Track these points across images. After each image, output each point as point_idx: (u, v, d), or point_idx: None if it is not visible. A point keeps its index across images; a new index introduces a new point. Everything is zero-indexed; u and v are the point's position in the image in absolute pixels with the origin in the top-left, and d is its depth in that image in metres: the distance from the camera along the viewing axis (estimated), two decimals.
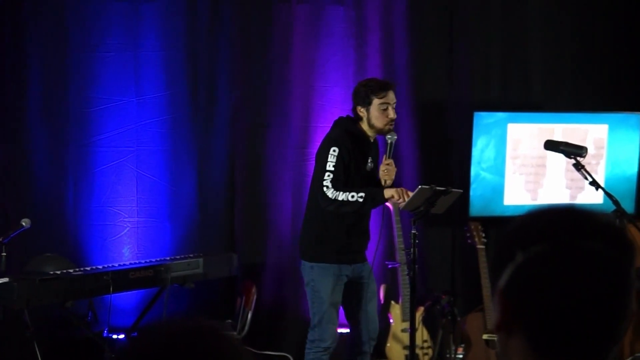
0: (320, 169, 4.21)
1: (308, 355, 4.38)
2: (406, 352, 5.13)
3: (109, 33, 5.47)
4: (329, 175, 4.15)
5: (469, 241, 5.33)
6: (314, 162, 4.37)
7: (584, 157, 3.97)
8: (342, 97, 5.54)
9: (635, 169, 5.83)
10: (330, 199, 4.14)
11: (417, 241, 4.26)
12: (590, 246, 1.08)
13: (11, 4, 5.38)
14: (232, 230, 5.67)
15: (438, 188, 4.30)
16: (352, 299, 4.42)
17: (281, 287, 5.63)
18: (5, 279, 4.30)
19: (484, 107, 5.82)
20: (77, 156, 5.46)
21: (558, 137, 5.47)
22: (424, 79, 5.90)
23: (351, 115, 4.38)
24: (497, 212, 5.69)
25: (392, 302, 5.29)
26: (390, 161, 4.32)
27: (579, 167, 3.94)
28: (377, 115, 4.28)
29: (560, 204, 1.17)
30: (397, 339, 5.23)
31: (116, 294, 4.66)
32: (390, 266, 5.29)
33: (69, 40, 5.43)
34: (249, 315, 5.16)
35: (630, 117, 5.86)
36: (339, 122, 4.40)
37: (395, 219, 5.27)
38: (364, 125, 4.33)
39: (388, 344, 5.24)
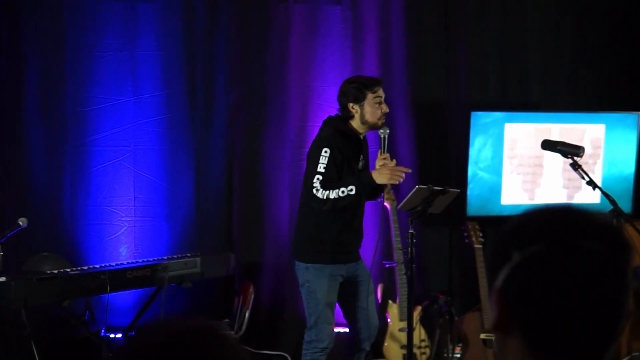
0: (311, 170, 4.19)
1: (305, 356, 4.37)
2: (404, 351, 5.13)
3: (106, 33, 5.47)
4: (318, 178, 4.13)
5: (467, 241, 5.33)
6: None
7: (581, 156, 3.97)
8: None
9: (632, 169, 5.83)
10: (322, 200, 4.12)
11: (414, 241, 4.27)
12: (587, 246, 1.09)
13: (8, 4, 5.38)
14: (229, 229, 5.67)
15: (435, 188, 4.31)
16: (349, 298, 4.41)
17: (279, 286, 5.63)
18: (3, 279, 4.30)
19: (481, 106, 5.82)
20: (74, 155, 5.46)
21: (555, 137, 5.48)
22: (421, 79, 5.90)
23: (339, 114, 4.37)
24: (494, 211, 5.70)
25: (390, 301, 5.29)
26: (387, 155, 4.32)
27: (576, 166, 3.94)
28: (371, 110, 4.28)
29: (558, 204, 1.17)
30: (394, 338, 5.23)
31: (113, 293, 4.66)
32: (387, 266, 5.29)
33: (66, 40, 5.43)
34: (247, 315, 5.16)
35: (627, 117, 5.86)
36: (329, 122, 4.39)
37: (392, 218, 5.27)
38: (355, 123, 4.31)
39: (385, 344, 5.25)
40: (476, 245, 5.27)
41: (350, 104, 4.28)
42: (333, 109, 5.42)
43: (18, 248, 5.05)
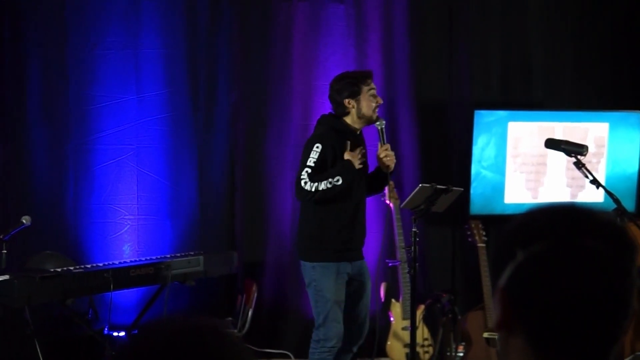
0: (301, 165, 4.21)
1: (313, 355, 4.35)
2: (407, 350, 5.13)
3: (108, 31, 5.47)
4: (306, 171, 4.15)
5: (470, 239, 5.33)
6: None
7: (584, 155, 3.97)
8: None
9: (636, 168, 5.82)
10: (309, 191, 4.13)
11: (417, 239, 4.26)
12: (591, 245, 1.08)
13: (10, 2, 5.38)
14: (232, 228, 5.67)
15: (439, 186, 4.30)
16: (350, 297, 4.40)
17: (282, 284, 5.63)
18: (6, 277, 4.30)
19: (484, 105, 5.81)
20: (77, 154, 5.46)
21: (559, 136, 5.47)
22: (424, 78, 5.90)
23: (332, 112, 4.36)
24: (497, 210, 5.69)
25: (393, 300, 5.29)
26: (387, 146, 4.32)
27: (579, 165, 3.94)
28: (367, 103, 4.29)
29: (561, 203, 1.16)
30: (397, 337, 5.23)
31: (117, 291, 4.66)
32: (390, 264, 5.29)
33: (69, 38, 5.44)
34: (250, 313, 5.16)
35: (631, 116, 5.85)
36: (323, 120, 4.39)
37: (395, 217, 5.27)
38: (350, 119, 4.32)
39: (389, 342, 5.24)
40: (479, 244, 5.26)
41: (347, 100, 4.28)
42: None
43: (21, 246, 5.05)
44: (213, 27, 5.60)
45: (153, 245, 5.50)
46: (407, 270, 5.02)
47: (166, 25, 5.54)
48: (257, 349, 5.41)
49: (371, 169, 4.49)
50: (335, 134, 4.26)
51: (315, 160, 4.16)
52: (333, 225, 4.28)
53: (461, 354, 5.28)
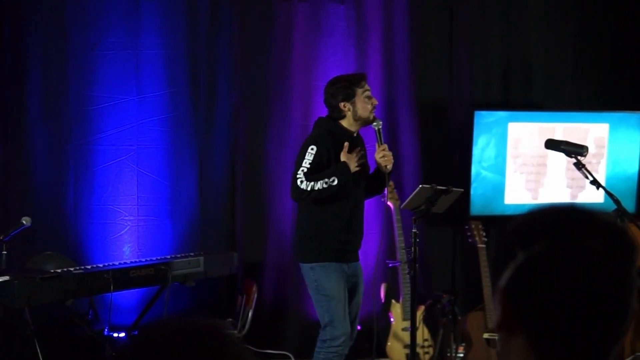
0: (296, 166, 4.23)
1: (319, 354, 4.33)
2: (407, 351, 5.13)
3: (108, 31, 5.47)
4: (302, 170, 4.17)
5: (470, 240, 5.33)
6: None
7: (584, 156, 3.97)
8: None
9: (636, 168, 5.82)
10: (305, 190, 4.14)
11: (417, 240, 4.26)
12: (591, 245, 1.08)
13: (10, 2, 5.38)
14: (232, 228, 5.67)
15: (439, 187, 4.31)
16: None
17: (282, 285, 5.63)
18: (6, 278, 4.30)
19: (484, 106, 5.82)
20: (77, 154, 5.46)
21: (559, 136, 5.47)
22: (424, 78, 5.90)
23: (330, 115, 4.37)
24: (497, 211, 5.69)
25: (393, 301, 5.29)
26: (385, 146, 4.33)
27: (579, 166, 3.94)
28: (362, 105, 4.30)
29: (561, 203, 1.16)
30: (397, 337, 5.23)
31: (117, 292, 4.66)
32: (390, 265, 5.29)
33: (69, 39, 5.43)
34: (250, 314, 5.16)
35: (631, 117, 5.86)
36: (319, 123, 4.41)
37: (396, 217, 5.27)
38: (346, 122, 4.32)
39: (389, 343, 5.25)
40: (479, 245, 5.26)
41: (342, 104, 4.29)
42: None
43: (21, 247, 5.05)
44: (213, 28, 5.60)
45: (153, 246, 5.49)
46: (407, 271, 5.02)
47: (166, 26, 5.54)
48: (257, 349, 5.40)
49: (371, 170, 4.49)
50: (331, 137, 4.27)
51: (310, 161, 4.18)
52: (330, 227, 4.28)
53: (461, 355, 5.28)
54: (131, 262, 5.03)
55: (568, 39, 6.11)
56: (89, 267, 4.83)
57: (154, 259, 5.08)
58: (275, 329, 5.64)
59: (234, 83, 5.64)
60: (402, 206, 4.73)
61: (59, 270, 4.61)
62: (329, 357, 4.30)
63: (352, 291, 4.40)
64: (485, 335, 5.14)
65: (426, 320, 5.27)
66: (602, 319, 1.08)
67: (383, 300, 5.36)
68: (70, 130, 5.46)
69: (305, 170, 4.16)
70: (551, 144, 4.13)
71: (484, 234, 5.32)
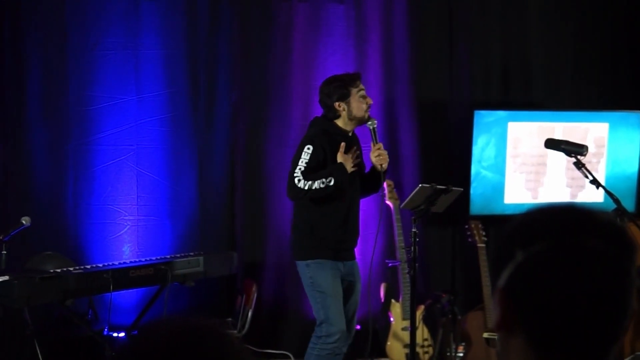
0: (293, 165, 4.23)
1: (312, 350, 4.33)
2: (407, 350, 5.13)
3: (108, 31, 5.47)
4: (299, 169, 4.18)
5: (470, 240, 5.33)
6: None
7: (584, 155, 3.97)
8: None
9: (636, 168, 5.82)
10: (302, 189, 4.15)
11: (417, 240, 4.26)
12: (591, 245, 1.08)
13: (10, 2, 5.38)
14: (232, 228, 5.67)
15: (438, 187, 4.31)
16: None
17: (281, 285, 5.63)
18: (6, 277, 4.30)
19: (484, 105, 5.82)
20: (77, 154, 5.46)
21: (558, 136, 5.47)
22: (424, 78, 5.90)
23: (325, 115, 4.37)
24: (497, 210, 5.69)
25: (393, 300, 5.29)
26: (380, 145, 4.34)
27: (579, 165, 3.93)
28: (357, 105, 4.30)
29: (561, 203, 1.16)
30: (397, 337, 5.23)
31: (116, 292, 4.66)
32: (390, 264, 5.29)
33: (69, 39, 5.43)
34: (250, 314, 5.16)
35: (631, 116, 5.86)
36: (315, 122, 4.42)
37: (395, 217, 5.27)
38: (341, 122, 4.33)
39: (388, 343, 5.24)
40: (479, 244, 5.26)
41: (337, 103, 4.30)
42: None
43: (21, 247, 5.04)
44: (213, 28, 5.60)
45: (153, 246, 5.49)
46: (407, 271, 5.02)
47: (166, 26, 5.54)
48: (256, 349, 5.40)
49: (367, 169, 4.50)
50: (327, 136, 4.28)
51: (307, 161, 4.19)
52: (327, 225, 4.28)
53: (461, 355, 5.28)
54: (131, 262, 5.03)
55: (568, 38, 6.11)
56: (88, 267, 4.83)
57: (154, 258, 5.08)
58: (274, 328, 5.64)
59: (234, 83, 5.64)
60: (401, 206, 4.73)
61: (58, 270, 4.61)
62: (323, 354, 4.29)
63: (349, 290, 4.40)
64: (485, 335, 5.14)
65: (426, 320, 5.27)
66: (602, 319, 1.08)
67: (383, 300, 5.35)
68: (69, 130, 5.46)
69: (303, 169, 4.18)
70: (551, 144, 4.13)
71: (484, 233, 5.32)
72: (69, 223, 5.44)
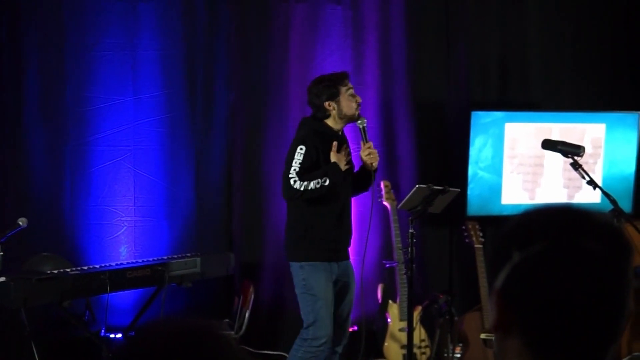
0: (287, 166, 4.22)
1: (297, 352, 4.33)
2: (404, 351, 5.13)
3: (106, 32, 5.47)
4: (294, 169, 4.17)
5: (467, 240, 5.33)
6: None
7: (581, 156, 3.97)
8: None
9: (633, 169, 5.83)
10: (298, 190, 4.14)
11: (414, 240, 4.27)
12: (588, 245, 1.08)
13: (8, 3, 5.38)
14: (229, 229, 5.67)
15: (435, 187, 4.31)
16: (335, 298, 4.36)
17: (279, 286, 5.63)
18: (2, 279, 4.29)
19: (481, 106, 5.82)
20: (74, 155, 5.45)
21: (556, 137, 5.48)
22: (421, 79, 5.90)
23: (314, 115, 4.37)
24: (494, 211, 5.69)
25: (390, 301, 5.29)
26: (370, 143, 4.33)
27: (576, 166, 3.94)
28: (347, 103, 4.30)
29: (558, 203, 1.16)
30: (394, 338, 5.23)
31: (113, 293, 4.65)
32: (387, 265, 5.29)
33: (66, 40, 5.43)
34: (247, 315, 5.16)
35: (628, 117, 5.86)
36: (305, 123, 4.41)
37: (393, 218, 5.27)
38: (331, 121, 4.33)
39: (386, 343, 5.24)
40: (476, 245, 5.27)
41: (327, 103, 4.30)
42: None
43: (18, 248, 5.04)
44: (211, 29, 5.60)
45: (150, 247, 5.49)
46: (404, 272, 5.03)
47: (164, 27, 5.54)
48: (254, 350, 5.40)
49: (356, 168, 4.49)
50: (318, 136, 4.27)
51: (300, 161, 4.18)
52: (321, 226, 4.27)
53: (458, 355, 5.28)
54: (128, 263, 5.03)
55: (565, 39, 6.11)
56: (85, 268, 4.82)
57: (151, 259, 5.08)
58: (272, 329, 5.63)
59: (231, 84, 5.64)
60: (399, 206, 4.74)
61: (55, 272, 4.60)
62: (306, 357, 4.28)
63: (343, 291, 4.39)
64: (482, 336, 5.14)
65: (423, 321, 5.27)
66: (599, 320, 1.08)
67: (380, 301, 5.36)
68: (67, 131, 5.45)
69: (297, 170, 4.17)
70: (548, 145, 4.13)
71: (481, 234, 5.32)
72: (66, 224, 5.43)
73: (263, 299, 5.57)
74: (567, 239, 1.09)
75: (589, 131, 5.79)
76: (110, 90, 5.49)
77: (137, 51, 5.51)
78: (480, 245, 5.28)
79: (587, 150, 4.10)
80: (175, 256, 5.17)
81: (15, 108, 5.40)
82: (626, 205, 5.57)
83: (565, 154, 4.01)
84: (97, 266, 4.86)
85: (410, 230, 4.26)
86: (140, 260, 5.11)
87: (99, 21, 5.47)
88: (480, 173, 5.68)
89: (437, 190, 4.31)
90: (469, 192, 5.62)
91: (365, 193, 4.61)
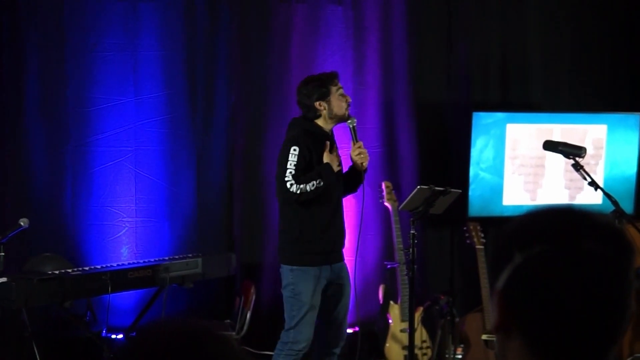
0: (282, 168, 4.18)
1: (279, 356, 4.30)
2: (405, 352, 5.13)
3: (107, 32, 5.47)
4: (290, 172, 4.14)
5: (468, 241, 5.33)
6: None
7: (582, 157, 3.97)
8: None
9: (634, 170, 5.83)
10: (295, 193, 4.11)
11: (416, 241, 4.26)
12: (589, 247, 1.08)
13: (9, 4, 5.38)
14: (230, 230, 5.67)
15: (437, 188, 4.31)
16: (328, 300, 4.34)
17: (280, 287, 5.61)
18: (4, 279, 4.29)
19: (482, 107, 5.82)
20: (75, 156, 5.45)
21: (557, 138, 5.48)
22: (422, 79, 5.90)
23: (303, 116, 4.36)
24: (496, 212, 5.69)
25: (391, 302, 5.29)
26: (360, 143, 4.32)
27: (577, 167, 3.93)
28: (337, 103, 4.28)
29: (559, 205, 1.16)
30: (396, 339, 5.23)
31: (115, 293, 4.65)
32: (389, 266, 5.29)
33: (67, 40, 5.43)
34: (248, 315, 5.15)
35: (629, 118, 5.86)
36: (295, 123, 4.38)
37: (394, 219, 5.27)
38: (321, 121, 4.31)
39: (387, 344, 5.24)
40: (478, 246, 5.26)
41: (317, 103, 4.27)
42: None
43: (19, 248, 5.04)
44: (212, 29, 5.60)
45: (151, 247, 5.49)
46: (405, 273, 5.03)
47: (165, 27, 5.54)
48: (255, 351, 5.40)
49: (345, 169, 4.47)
50: (310, 136, 4.25)
51: (295, 162, 4.15)
52: (314, 228, 4.24)
53: (459, 356, 5.28)
54: (129, 264, 5.03)
55: (566, 40, 6.11)
56: (86, 268, 4.82)
57: (152, 260, 5.08)
58: (273, 330, 5.62)
59: (232, 84, 5.64)
60: (400, 207, 4.73)
61: (56, 272, 4.60)
62: None
63: (338, 293, 4.36)
64: (484, 337, 5.14)
65: (424, 322, 5.27)
66: (600, 321, 1.08)
67: (381, 302, 5.35)
68: (68, 132, 5.45)
69: (293, 172, 4.14)
70: (549, 145, 4.13)
71: (482, 235, 5.32)
72: (68, 224, 5.43)
73: (264, 299, 5.56)
74: (569, 240, 1.09)
75: (590, 132, 5.79)
76: (111, 91, 5.49)
77: (138, 51, 5.51)
78: (482, 246, 5.27)
79: (588, 151, 4.10)
80: (177, 257, 5.17)
81: (16, 108, 5.40)
82: (628, 206, 5.57)
83: (566, 155, 4.01)
84: (99, 267, 4.87)
85: (412, 231, 4.25)
86: (141, 261, 5.11)
87: (100, 21, 5.47)
88: (482, 174, 5.68)
89: (439, 191, 4.30)
90: (470, 193, 5.61)
91: (355, 194, 4.57)
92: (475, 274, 5.25)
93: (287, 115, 5.65)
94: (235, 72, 5.64)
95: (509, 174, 5.71)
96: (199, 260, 5.07)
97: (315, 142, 4.25)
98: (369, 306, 5.52)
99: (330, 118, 4.30)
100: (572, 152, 3.98)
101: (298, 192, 4.12)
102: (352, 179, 4.39)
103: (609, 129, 5.81)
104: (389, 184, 5.40)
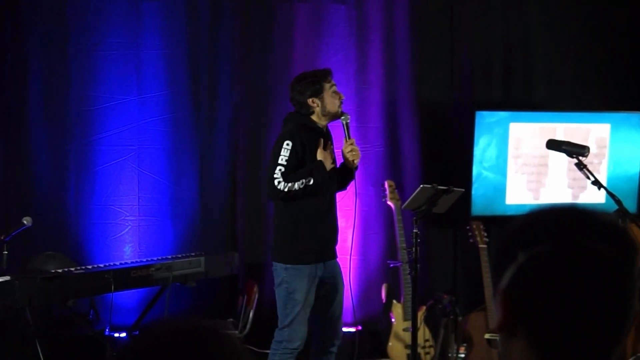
0: (273, 162, 4.16)
1: (274, 355, 4.29)
2: (408, 351, 5.13)
3: (110, 32, 5.48)
4: (280, 169, 4.12)
5: (471, 240, 5.33)
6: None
7: (586, 156, 3.96)
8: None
9: (638, 169, 5.82)
10: (282, 191, 4.10)
11: (418, 240, 4.26)
12: (592, 246, 1.08)
13: (11, 3, 5.39)
14: (233, 228, 5.67)
15: (440, 187, 4.30)
16: (322, 299, 4.33)
17: None
18: (7, 278, 4.30)
19: (485, 106, 5.81)
20: (78, 155, 5.46)
21: (560, 137, 5.47)
22: (425, 78, 5.90)
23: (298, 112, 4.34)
24: (499, 211, 5.69)
25: (394, 301, 5.29)
26: (352, 140, 4.31)
27: (581, 166, 3.93)
28: (331, 100, 4.28)
29: (563, 204, 1.16)
30: (399, 338, 5.23)
31: (118, 292, 4.66)
32: (392, 265, 5.29)
33: (70, 39, 5.44)
34: (251, 314, 5.16)
35: (633, 117, 5.85)
36: (290, 118, 4.36)
37: (397, 218, 5.27)
38: (315, 118, 4.30)
39: (390, 343, 5.24)
40: (481, 245, 5.26)
41: (310, 99, 4.26)
42: None
43: (22, 247, 5.05)
44: (214, 28, 5.60)
45: (154, 246, 5.50)
46: (408, 272, 5.03)
47: (167, 26, 5.55)
48: (258, 349, 5.40)
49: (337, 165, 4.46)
50: (305, 131, 4.24)
51: (287, 158, 4.13)
52: (307, 225, 4.23)
53: (462, 355, 5.28)
54: (132, 262, 5.03)
55: (569, 39, 6.10)
56: (89, 267, 4.83)
57: (155, 259, 5.08)
58: (276, 329, 5.63)
59: (235, 83, 5.64)
60: (403, 206, 4.73)
61: (59, 271, 4.61)
62: (285, 358, 4.25)
63: (332, 292, 4.34)
64: (487, 336, 5.14)
65: (427, 321, 5.27)
66: (604, 321, 1.08)
67: (384, 301, 5.35)
68: (71, 131, 5.46)
69: (283, 169, 4.11)
70: (552, 145, 4.12)
71: (485, 234, 5.32)
72: (71, 223, 5.44)
73: (267, 298, 5.56)
74: (572, 239, 1.09)
75: (593, 131, 5.78)
76: (115, 90, 5.49)
77: (141, 50, 5.51)
78: (485, 245, 5.27)
79: (591, 150, 4.09)
80: (180, 255, 5.17)
81: (19, 107, 5.41)
82: (631, 205, 5.56)
83: (569, 154, 4.00)
84: (102, 265, 4.87)
85: (415, 230, 4.25)
86: (144, 260, 5.11)
87: (102, 21, 5.47)
88: (485, 173, 5.68)
89: (442, 190, 4.30)
90: (473, 192, 5.61)
91: (354, 192, 4.55)
92: (478, 273, 5.25)
93: None
94: (238, 71, 5.64)
95: (512, 173, 5.70)
96: (202, 259, 5.07)
97: (310, 136, 4.23)
98: (372, 305, 5.52)
99: (324, 115, 4.29)
100: (576, 151, 3.97)
101: (285, 189, 4.10)
102: (343, 176, 4.38)
103: (613, 128, 5.80)
104: (392, 183, 5.40)
